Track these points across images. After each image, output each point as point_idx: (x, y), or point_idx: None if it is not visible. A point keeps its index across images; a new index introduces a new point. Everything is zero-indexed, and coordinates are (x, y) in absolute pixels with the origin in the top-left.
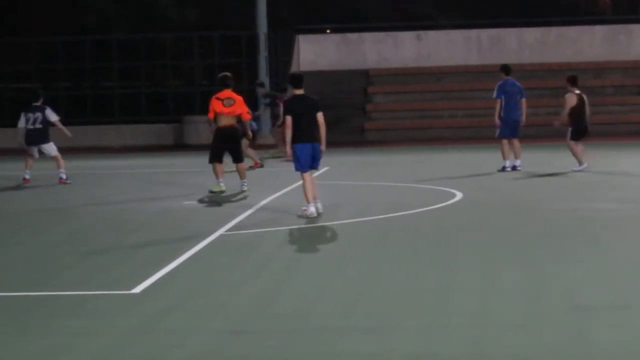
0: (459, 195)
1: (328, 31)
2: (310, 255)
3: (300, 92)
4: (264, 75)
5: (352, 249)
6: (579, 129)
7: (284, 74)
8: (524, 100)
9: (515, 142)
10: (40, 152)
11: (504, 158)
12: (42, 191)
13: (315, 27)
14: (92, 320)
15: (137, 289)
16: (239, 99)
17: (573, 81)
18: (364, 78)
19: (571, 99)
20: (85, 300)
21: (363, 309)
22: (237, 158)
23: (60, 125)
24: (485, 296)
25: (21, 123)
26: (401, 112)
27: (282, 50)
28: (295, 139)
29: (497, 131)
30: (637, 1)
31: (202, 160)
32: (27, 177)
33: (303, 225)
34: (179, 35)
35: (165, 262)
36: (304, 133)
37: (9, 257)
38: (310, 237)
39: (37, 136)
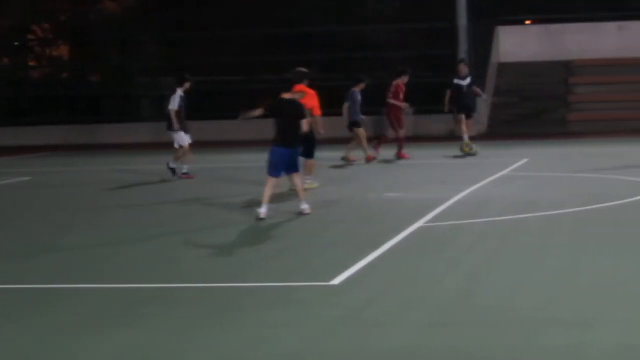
0: None
1: (528, 22)
2: (509, 247)
3: (288, 94)
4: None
5: (552, 240)
6: None
7: (483, 66)
8: None
9: None
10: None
11: None
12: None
13: (515, 17)
14: (292, 311)
15: (336, 281)
16: (307, 92)
17: None
18: (565, 69)
19: None
20: (285, 292)
21: (564, 302)
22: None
23: (171, 115)
24: None
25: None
26: (603, 103)
27: (482, 42)
28: (274, 142)
29: None
30: None
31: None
32: (183, 170)
33: (502, 218)
34: (381, 27)
35: (364, 254)
36: (285, 137)
37: (209, 248)
38: (510, 229)
39: (167, 122)
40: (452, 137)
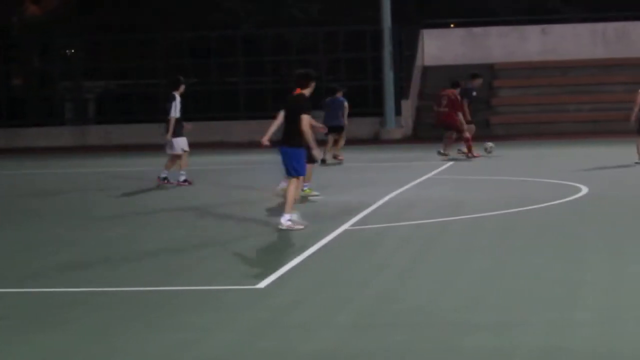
0: (584, 190)
1: (452, 25)
2: (435, 249)
3: (298, 91)
4: (388, 70)
5: (477, 243)
6: None
7: (408, 68)
8: None
9: None
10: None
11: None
12: (168, 189)
13: (440, 21)
14: (218, 315)
15: (262, 284)
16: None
17: None
18: (489, 72)
19: None
20: (211, 296)
21: (488, 304)
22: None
23: (171, 122)
24: (612, 291)
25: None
26: (526, 106)
27: (407, 45)
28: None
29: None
30: None
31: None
32: (162, 175)
33: (427, 221)
34: (304, 30)
35: (290, 257)
36: (283, 136)
37: (139, 252)
38: (435, 231)
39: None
40: (377, 140)
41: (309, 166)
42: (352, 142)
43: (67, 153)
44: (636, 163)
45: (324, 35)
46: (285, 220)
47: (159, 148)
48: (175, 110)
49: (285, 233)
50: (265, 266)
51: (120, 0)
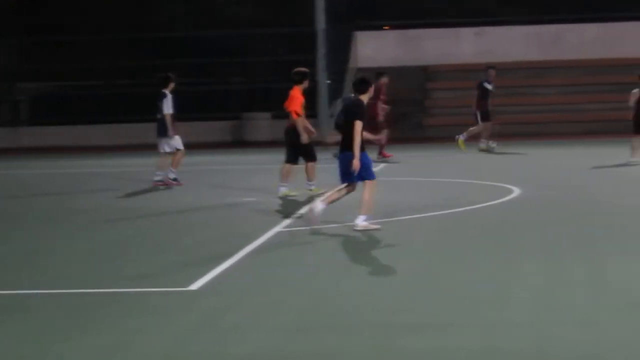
0: (516, 192)
1: (387, 27)
2: (368, 251)
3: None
4: (322, 72)
5: (412, 244)
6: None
7: (341, 70)
8: None
9: None
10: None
11: None
12: (110, 191)
13: (374, 23)
14: (150, 317)
15: (194, 286)
16: (291, 95)
17: None
18: (423, 74)
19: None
20: (143, 298)
21: (422, 305)
22: (304, 157)
23: (167, 120)
24: (544, 292)
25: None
26: (461, 108)
27: (340, 47)
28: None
29: None
30: None
31: (262, 158)
32: (157, 178)
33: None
34: (240, 32)
35: (222, 259)
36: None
37: (70, 253)
38: (368, 233)
39: (158, 127)
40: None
41: (311, 164)
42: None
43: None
44: (630, 162)
45: (259, 37)
46: (361, 221)
47: (96, 149)
48: (169, 107)
49: (217, 235)
50: (198, 268)
51: (54, 1)
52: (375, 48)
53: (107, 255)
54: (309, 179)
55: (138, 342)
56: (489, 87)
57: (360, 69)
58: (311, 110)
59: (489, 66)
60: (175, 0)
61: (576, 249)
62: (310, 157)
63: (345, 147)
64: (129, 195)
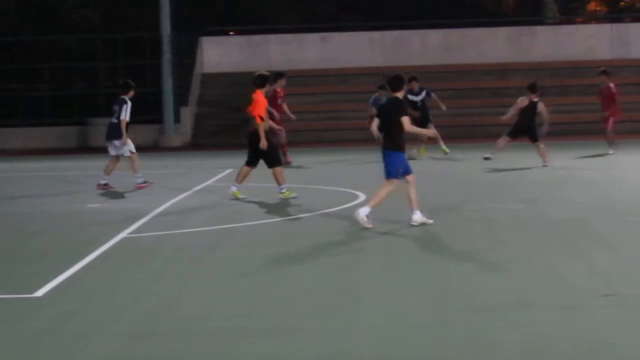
0: (362, 197)
1: (232, 33)
2: (213, 257)
3: (391, 93)
4: (167, 77)
5: (255, 250)
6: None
7: (187, 75)
8: None
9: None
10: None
11: None
12: None
13: (219, 28)
14: None
15: (39, 293)
16: (255, 99)
17: (531, 87)
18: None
19: (522, 102)
20: None
21: (266, 310)
22: (267, 163)
23: (122, 125)
24: (390, 297)
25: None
26: (306, 114)
27: (186, 52)
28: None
29: None
30: (540, 3)
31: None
32: (102, 182)
33: (205, 228)
34: (83, 37)
35: (67, 265)
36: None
37: None
38: (214, 239)
39: (110, 130)
40: (157, 147)
41: (278, 169)
42: None
43: None
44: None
45: (103, 41)
46: (364, 212)
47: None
48: (127, 114)
49: (63, 241)
50: (42, 274)
51: None
52: (220, 53)
53: None
54: (278, 183)
55: None
56: (415, 98)
57: (205, 75)
58: (157, 114)
59: (411, 77)
60: (21, 4)
61: (419, 255)
62: (273, 162)
63: (386, 145)
64: None
